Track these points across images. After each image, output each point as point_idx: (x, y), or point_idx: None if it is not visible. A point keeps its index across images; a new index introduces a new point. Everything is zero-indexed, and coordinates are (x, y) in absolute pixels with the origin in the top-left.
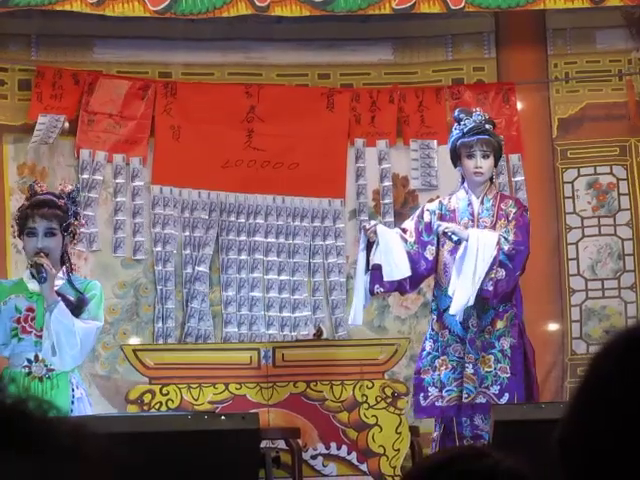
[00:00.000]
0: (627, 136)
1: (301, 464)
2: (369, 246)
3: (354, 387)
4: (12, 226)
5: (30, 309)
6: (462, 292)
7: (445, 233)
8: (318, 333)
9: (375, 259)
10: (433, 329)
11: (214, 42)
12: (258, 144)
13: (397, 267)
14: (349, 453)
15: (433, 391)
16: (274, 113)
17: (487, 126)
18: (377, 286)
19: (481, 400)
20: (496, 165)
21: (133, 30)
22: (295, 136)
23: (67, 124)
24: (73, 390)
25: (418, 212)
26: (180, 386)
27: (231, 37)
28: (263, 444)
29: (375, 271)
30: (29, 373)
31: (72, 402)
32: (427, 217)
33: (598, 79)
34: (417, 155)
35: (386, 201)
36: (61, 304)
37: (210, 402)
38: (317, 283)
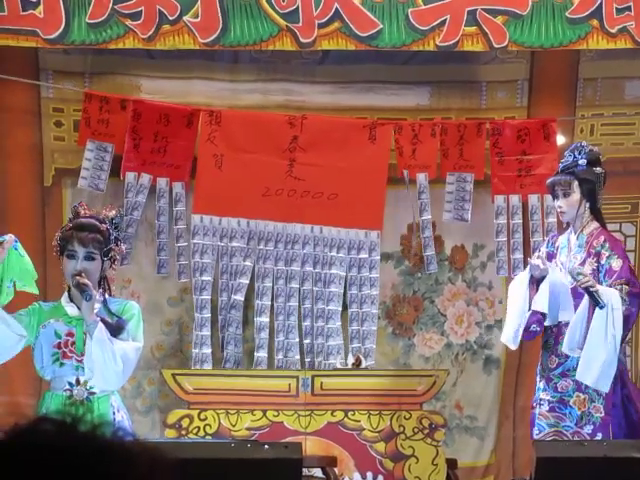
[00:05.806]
0: None
1: None
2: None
3: (391, 417)
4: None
5: (70, 334)
6: (598, 361)
7: (587, 290)
8: (357, 362)
9: (538, 305)
10: (540, 364)
11: (256, 83)
12: (299, 173)
13: (563, 312)
14: None
15: (541, 423)
16: (316, 143)
17: (581, 161)
18: (534, 325)
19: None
20: (593, 197)
21: (179, 70)
22: (336, 166)
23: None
24: (114, 413)
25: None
26: (218, 411)
27: (274, 79)
28: None
29: (535, 314)
30: (70, 397)
31: None
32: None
33: (621, 133)
34: (452, 188)
35: (426, 235)
36: (101, 325)
37: (247, 428)
38: (353, 314)
